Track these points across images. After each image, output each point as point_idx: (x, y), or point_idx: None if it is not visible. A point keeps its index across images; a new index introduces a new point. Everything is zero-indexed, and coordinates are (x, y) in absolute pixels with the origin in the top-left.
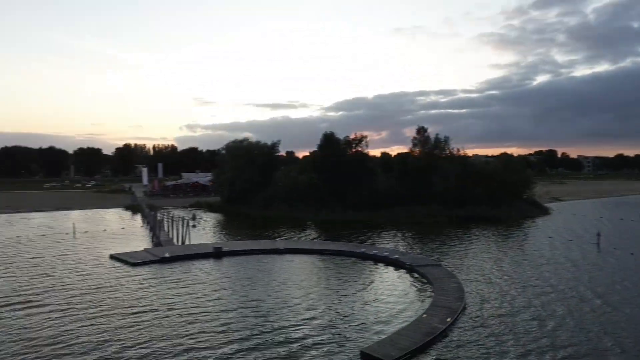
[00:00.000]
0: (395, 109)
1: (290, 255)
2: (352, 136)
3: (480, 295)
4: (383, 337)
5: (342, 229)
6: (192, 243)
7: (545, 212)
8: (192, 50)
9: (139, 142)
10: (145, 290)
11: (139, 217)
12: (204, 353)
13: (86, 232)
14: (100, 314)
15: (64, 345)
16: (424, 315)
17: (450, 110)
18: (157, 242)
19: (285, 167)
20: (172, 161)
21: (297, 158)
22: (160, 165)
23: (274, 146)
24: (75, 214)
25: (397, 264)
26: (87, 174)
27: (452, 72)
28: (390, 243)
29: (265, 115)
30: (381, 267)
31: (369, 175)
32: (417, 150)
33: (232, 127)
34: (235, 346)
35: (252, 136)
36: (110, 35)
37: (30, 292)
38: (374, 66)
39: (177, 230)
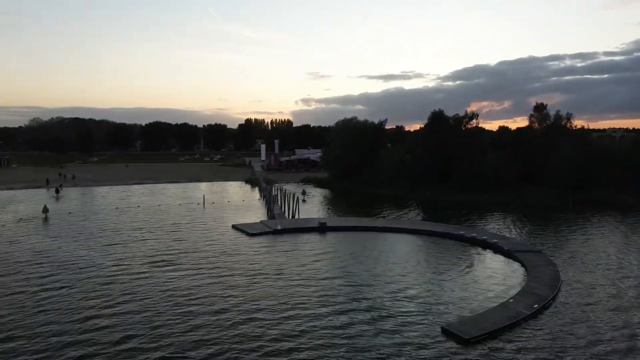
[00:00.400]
0: (521, 77)
1: (389, 234)
2: (462, 113)
3: (578, 285)
4: (466, 316)
5: (444, 209)
6: (300, 217)
7: None
8: (307, 26)
9: (259, 117)
10: (259, 256)
11: (257, 190)
12: (303, 312)
13: (213, 203)
14: (223, 274)
15: (195, 297)
16: (511, 300)
17: (588, 76)
18: (271, 214)
19: (391, 145)
20: (288, 137)
21: (406, 133)
22: (276, 142)
23: (380, 124)
24: (204, 185)
25: (494, 248)
26: (213, 148)
27: (592, 32)
28: (493, 226)
29: (378, 87)
30: (478, 250)
31: (477, 154)
32: (534, 126)
33: (344, 100)
34: (328, 309)
35: (363, 108)
36: (231, 14)
37: (170, 253)
38: (497, 30)
39: (289, 204)
